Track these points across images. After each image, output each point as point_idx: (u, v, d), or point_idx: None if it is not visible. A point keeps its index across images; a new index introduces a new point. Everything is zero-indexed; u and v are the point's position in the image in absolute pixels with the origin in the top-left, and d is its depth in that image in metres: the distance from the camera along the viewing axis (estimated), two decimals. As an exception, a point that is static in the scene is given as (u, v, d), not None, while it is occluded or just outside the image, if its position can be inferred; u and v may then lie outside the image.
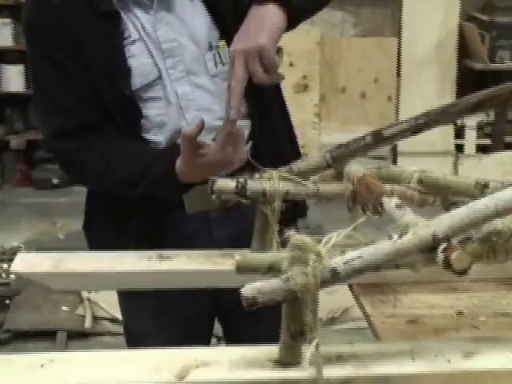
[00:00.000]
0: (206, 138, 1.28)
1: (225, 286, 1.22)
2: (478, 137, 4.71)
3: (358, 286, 1.22)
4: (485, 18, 4.43)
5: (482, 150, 4.70)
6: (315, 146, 4.30)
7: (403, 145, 4.39)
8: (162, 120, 1.38)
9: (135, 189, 1.32)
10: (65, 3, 1.35)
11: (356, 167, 1.20)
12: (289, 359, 0.91)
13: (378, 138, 1.20)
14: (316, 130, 4.37)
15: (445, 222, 0.86)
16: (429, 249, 0.86)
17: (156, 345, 1.35)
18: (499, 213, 0.86)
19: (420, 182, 1.19)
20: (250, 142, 1.35)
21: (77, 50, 1.35)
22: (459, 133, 4.73)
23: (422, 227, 0.86)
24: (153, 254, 1.23)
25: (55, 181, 4.95)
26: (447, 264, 0.84)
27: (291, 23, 1.24)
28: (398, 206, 1.02)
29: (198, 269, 1.19)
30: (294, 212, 1.19)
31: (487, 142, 4.68)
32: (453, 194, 1.18)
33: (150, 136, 1.38)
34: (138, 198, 1.33)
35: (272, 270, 0.91)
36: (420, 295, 1.20)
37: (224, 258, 1.23)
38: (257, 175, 1.19)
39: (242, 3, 1.29)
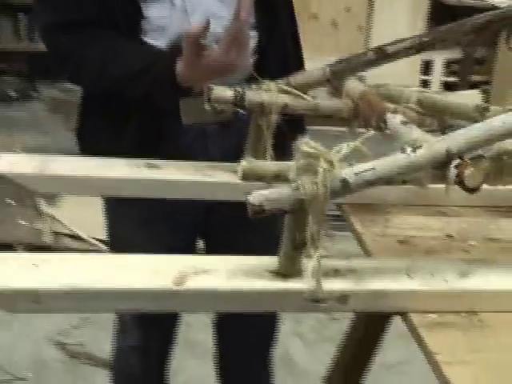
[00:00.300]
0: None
1: (213, 198, 1.20)
2: (445, 74, 4.70)
3: (348, 206, 1.21)
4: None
5: (448, 87, 4.70)
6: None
7: (370, 76, 4.35)
8: (163, 23, 1.31)
9: (134, 88, 1.26)
10: None
11: (356, 83, 1.18)
12: (288, 270, 0.89)
13: (381, 55, 1.17)
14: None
15: (460, 137, 0.84)
16: (442, 164, 0.84)
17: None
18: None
19: (419, 102, 1.17)
20: (255, 54, 1.30)
21: None
22: (426, 68, 4.71)
23: (436, 142, 0.84)
24: (142, 162, 1.19)
25: (12, 94, 4.80)
26: (460, 180, 0.82)
27: None
28: (404, 123, 0.99)
29: (186, 179, 1.15)
30: (291, 127, 1.16)
31: (453, 79, 4.68)
32: (451, 116, 1.17)
33: (149, 39, 1.31)
34: (135, 98, 1.28)
35: (278, 178, 0.89)
36: (410, 217, 1.19)
37: (214, 169, 1.20)
38: (254, 86, 1.15)
39: None
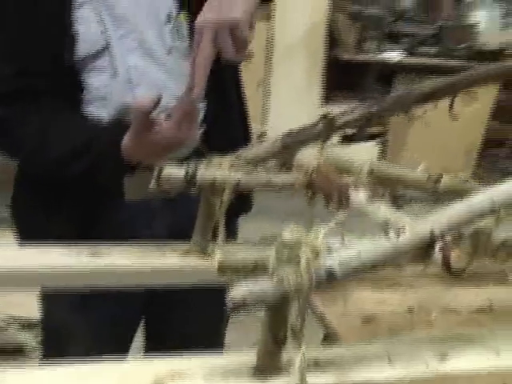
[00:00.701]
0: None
1: (164, 284, 1.13)
2: (343, 126, 4.80)
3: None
4: (354, 8, 4.51)
5: (347, 140, 4.80)
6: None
7: (272, 128, 4.42)
8: (105, 93, 1.24)
9: (75, 165, 1.18)
10: None
11: (307, 157, 1.14)
12: (268, 367, 0.83)
13: (330, 126, 1.14)
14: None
15: (442, 219, 0.82)
16: (425, 246, 0.81)
17: (78, 343, 1.25)
18: (496, 208, 0.83)
19: (370, 173, 1.15)
20: (203, 126, 1.25)
21: (19, 9, 1.22)
22: (324, 121, 4.79)
23: (418, 224, 0.81)
24: (83, 248, 1.10)
25: None
26: (446, 264, 0.79)
27: None
28: (369, 200, 0.96)
29: (131, 266, 1.07)
30: (239, 205, 1.11)
31: (351, 132, 4.78)
32: (404, 186, 1.15)
33: (91, 110, 1.24)
34: (75, 175, 1.19)
35: (256, 269, 0.83)
36: (367, 292, 1.16)
37: (163, 252, 1.12)
38: (203, 162, 1.09)
39: None
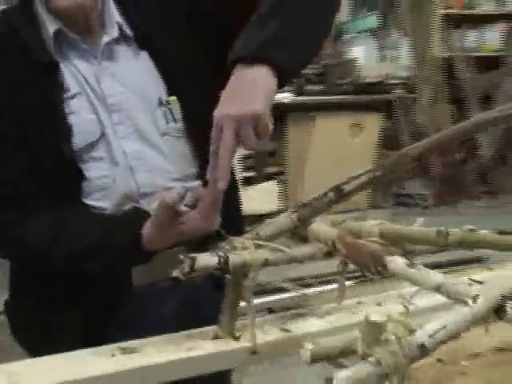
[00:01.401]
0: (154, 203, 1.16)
1: (199, 372, 1.10)
2: (242, 169, 4.88)
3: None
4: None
5: (247, 181, 4.88)
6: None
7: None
8: (105, 183, 1.22)
9: (92, 263, 1.14)
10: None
11: (322, 226, 1.17)
12: None
13: (340, 194, 1.17)
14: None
15: (508, 280, 0.86)
16: (497, 309, 0.85)
17: None
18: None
19: (381, 234, 1.19)
20: None
21: (9, 107, 1.17)
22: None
23: (488, 289, 0.85)
24: (109, 348, 1.06)
25: None
26: (521, 322, 0.84)
27: (282, 83, 1.14)
28: (410, 264, 1.00)
29: (172, 359, 1.05)
30: None
31: (251, 174, 4.88)
32: (414, 243, 1.20)
33: (92, 201, 1.21)
34: (91, 272, 1.15)
35: (344, 353, 0.84)
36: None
37: (194, 340, 1.10)
38: (225, 245, 1.09)
39: (191, 57, 1.19)
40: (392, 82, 5.13)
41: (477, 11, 5.69)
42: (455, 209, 4.83)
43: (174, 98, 1.27)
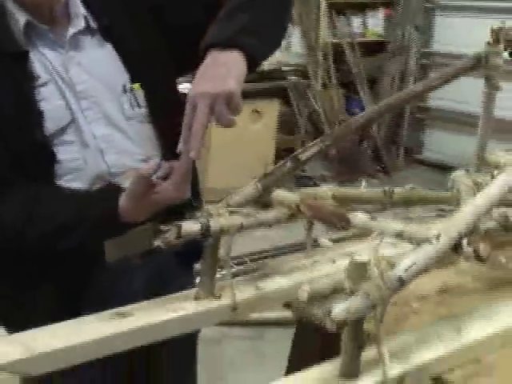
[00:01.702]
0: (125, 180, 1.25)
1: (186, 331, 1.21)
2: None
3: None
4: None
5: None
6: None
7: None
8: (77, 165, 1.30)
9: (67, 238, 1.21)
10: None
11: (283, 193, 1.30)
12: (350, 371, 0.98)
13: (297, 162, 1.31)
14: None
15: (461, 221, 1.02)
16: (456, 245, 1.01)
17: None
18: (491, 206, 1.06)
19: (333, 196, 1.33)
20: None
21: None
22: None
23: (447, 228, 1.01)
24: (107, 314, 1.15)
25: None
26: (476, 254, 1.00)
27: (250, 69, 1.25)
28: (372, 218, 1.15)
29: (172, 318, 1.16)
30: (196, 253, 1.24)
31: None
32: (364, 203, 1.35)
33: (65, 182, 1.28)
34: (64, 247, 1.22)
35: (335, 291, 0.98)
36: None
37: (179, 302, 1.21)
38: (200, 213, 1.20)
39: (153, 47, 1.28)
40: (286, 69, 5.32)
41: (359, -2, 5.98)
42: (353, 186, 5.08)
43: (137, 85, 1.37)
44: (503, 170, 1.14)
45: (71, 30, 1.33)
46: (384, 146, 5.83)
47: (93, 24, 1.36)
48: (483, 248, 1.01)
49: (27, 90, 1.26)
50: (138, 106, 1.37)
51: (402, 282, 0.95)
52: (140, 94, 1.37)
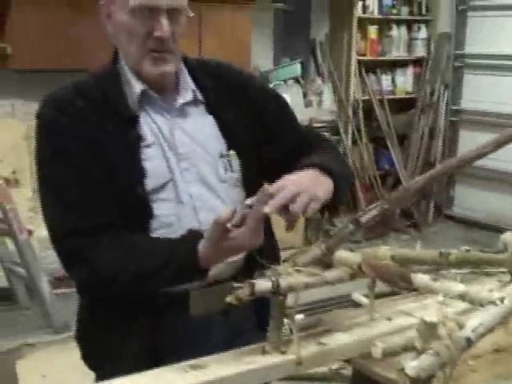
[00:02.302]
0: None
1: (257, 382, 1.28)
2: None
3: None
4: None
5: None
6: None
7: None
8: (171, 220, 1.41)
9: (154, 281, 1.32)
10: (88, 105, 1.38)
11: (345, 253, 1.37)
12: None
13: (358, 224, 1.38)
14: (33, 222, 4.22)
15: (523, 284, 1.09)
16: (518, 307, 1.08)
17: None
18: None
19: (392, 257, 1.40)
20: None
21: (96, 151, 1.37)
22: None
23: (509, 292, 1.08)
24: (182, 366, 1.23)
25: None
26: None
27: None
28: (434, 279, 1.21)
29: (242, 370, 1.22)
30: None
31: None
32: (420, 264, 1.41)
33: (157, 236, 1.38)
34: (151, 292, 1.32)
35: (406, 348, 1.04)
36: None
37: (248, 356, 1.28)
38: (268, 272, 1.28)
39: (247, 131, 1.46)
40: (318, 125, 5.43)
41: (389, 57, 6.10)
42: (384, 242, 5.12)
43: (232, 152, 1.49)
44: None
45: (180, 101, 1.48)
46: (414, 201, 5.89)
47: (199, 97, 1.50)
48: (545, 308, 1.07)
49: (135, 150, 1.39)
50: (232, 170, 1.49)
51: (469, 342, 1.01)
52: (235, 160, 1.49)
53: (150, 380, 1.18)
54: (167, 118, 1.46)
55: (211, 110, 1.51)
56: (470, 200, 6.09)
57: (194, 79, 1.52)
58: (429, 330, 1.01)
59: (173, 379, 1.18)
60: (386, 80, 6.18)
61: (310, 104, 5.51)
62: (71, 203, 1.36)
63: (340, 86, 5.81)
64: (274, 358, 1.28)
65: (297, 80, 5.54)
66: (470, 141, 5.72)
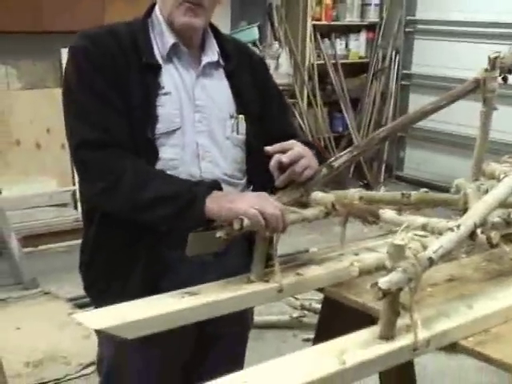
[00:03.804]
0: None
1: (244, 307, 1.45)
2: None
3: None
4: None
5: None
6: None
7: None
8: (174, 164, 1.54)
9: (162, 208, 1.43)
10: (118, 46, 1.52)
11: (320, 194, 1.54)
12: (388, 334, 1.22)
13: (331, 169, 1.55)
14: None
15: (474, 214, 1.27)
16: (471, 234, 1.26)
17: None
18: (499, 202, 1.31)
19: (360, 198, 1.58)
20: None
21: (120, 88, 1.50)
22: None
23: (465, 220, 1.26)
24: (179, 292, 1.39)
25: None
26: (489, 241, 1.25)
27: None
28: (398, 214, 1.39)
29: (231, 296, 1.39)
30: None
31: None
32: (385, 204, 1.59)
33: None
34: (157, 219, 1.46)
35: (378, 268, 1.22)
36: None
37: (236, 284, 1.45)
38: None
39: (261, 96, 1.67)
40: (275, 88, 5.56)
41: (342, 22, 6.26)
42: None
43: (242, 116, 1.65)
44: (506, 175, 1.39)
45: (206, 59, 1.62)
46: (367, 163, 6.12)
47: (221, 62, 1.66)
48: (494, 235, 1.26)
49: (152, 96, 1.53)
50: (237, 132, 1.64)
51: (431, 262, 1.20)
52: (241, 123, 1.65)
53: (151, 304, 1.34)
54: (191, 72, 1.60)
55: (229, 75, 1.66)
56: (419, 161, 6.34)
57: (220, 46, 1.67)
58: (397, 252, 1.19)
59: (172, 303, 1.35)
60: (340, 45, 6.34)
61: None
62: (90, 119, 1.49)
63: (296, 50, 5.95)
64: (258, 286, 1.45)
65: (254, 44, 5.65)
66: (420, 104, 5.82)
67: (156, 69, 1.56)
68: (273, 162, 1.52)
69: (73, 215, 4.53)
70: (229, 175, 1.61)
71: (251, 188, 1.67)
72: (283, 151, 1.52)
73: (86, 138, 1.48)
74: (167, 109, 1.55)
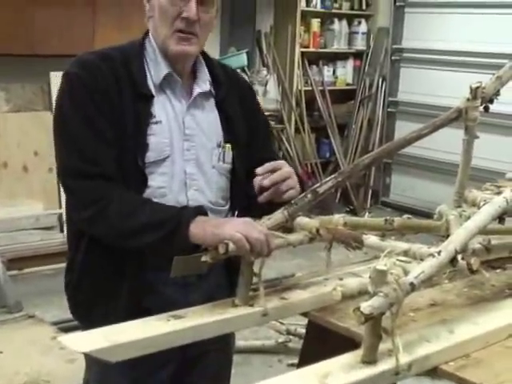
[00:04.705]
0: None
1: (229, 330, 1.46)
2: None
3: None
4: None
5: None
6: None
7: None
8: (162, 192, 1.57)
9: (149, 235, 1.46)
10: (111, 74, 1.54)
11: (305, 219, 1.56)
12: (370, 358, 1.23)
13: (315, 194, 1.57)
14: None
15: (455, 240, 1.30)
16: (452, 260, 1.29)
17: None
18: (479, 229, 1.34)
19: (345, 223, 1.60)
20: None
21: (112, 115, 1.52)
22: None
23: (446, 246, 1.28)
24: (167, 315, 1.40)
25: None
26: (469, 267, 1.28)
27: None
28: (382, 239, 1.42)
29: (216, 320, 1.40)
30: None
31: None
32: (370, 229, 1.61)
33: None
34: (144, 245, 1.48)
35: (361, 292, 1.24)
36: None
37: (221, 308, 1.46)
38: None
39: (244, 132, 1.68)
40: (262, 113, 5.61)
41: (330, 49, 6.34)
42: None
43: (229, 145, 1.68)
44: (487, 202, 1.42)
45: (197, 89, 1.65)
46: (353, 189, 6.16)
47: (212, 91, 1.68)
48: (474, 261, 1.28)
49: (143, 125, 1.55)
50: (223, 161, 1.67)
51: (413, 287, 1.22)
52: (229, 152, 1.68)
53: (137, 327, 1.35)
54: (182, 102, 1.62)
55: (219, 104, 1.69)
56: (404, 187, 6.40)
57: (210, 72, 1.69)
58: (379, 277, 1.21)
59: (158, 326, 1.36)
60: (327, 71, 6.41)
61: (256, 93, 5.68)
62: (80, 150, 1.50)
63: (284, 76, 6.01)
64: (243, 310, 1.47)
65: (243, 70, 5.71)
66: (405, 131, 5.88)
67: (149, 99, 1.58)
68: (256, 185, 1.56)
69: (59, 238, 4.52)
70: (213, 203, 1.64)
71: (236, 214, 1.69)
72: (273, 170, 1.55)
73: (74, 166, 1.51)
74: (158, 138, 1.58)
